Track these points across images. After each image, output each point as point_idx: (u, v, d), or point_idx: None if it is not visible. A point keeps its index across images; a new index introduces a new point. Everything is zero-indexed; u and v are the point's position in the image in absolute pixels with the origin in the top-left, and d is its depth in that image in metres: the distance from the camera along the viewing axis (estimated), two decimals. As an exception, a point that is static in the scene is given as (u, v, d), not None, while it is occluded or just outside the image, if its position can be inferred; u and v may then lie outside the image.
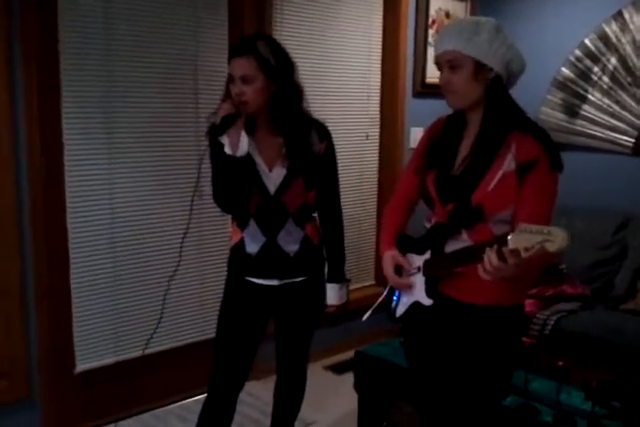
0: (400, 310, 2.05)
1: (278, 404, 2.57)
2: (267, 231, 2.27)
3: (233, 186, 2.19)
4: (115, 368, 2.90)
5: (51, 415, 2.77)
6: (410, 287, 2.00)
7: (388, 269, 2.02)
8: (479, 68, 1.82)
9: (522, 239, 1.50)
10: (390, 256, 2.02)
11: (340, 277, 2.39)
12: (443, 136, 1.97)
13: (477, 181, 1.82)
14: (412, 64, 3.85)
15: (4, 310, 2.60)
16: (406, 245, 2.02)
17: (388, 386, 2.65)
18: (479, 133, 1.88)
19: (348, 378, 3.35)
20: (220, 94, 2.26)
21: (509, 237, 1.53)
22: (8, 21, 2.46)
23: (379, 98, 3.84)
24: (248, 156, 2.18)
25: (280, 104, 2.19)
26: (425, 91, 3.86)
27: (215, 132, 2.13)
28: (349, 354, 3.57)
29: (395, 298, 2.10)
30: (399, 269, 2.02)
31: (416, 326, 2.05)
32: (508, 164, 1.79)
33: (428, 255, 1.92)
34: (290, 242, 2.28)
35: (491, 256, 1.58)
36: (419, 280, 1.96)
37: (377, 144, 3.89)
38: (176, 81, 2.98)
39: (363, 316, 2.20)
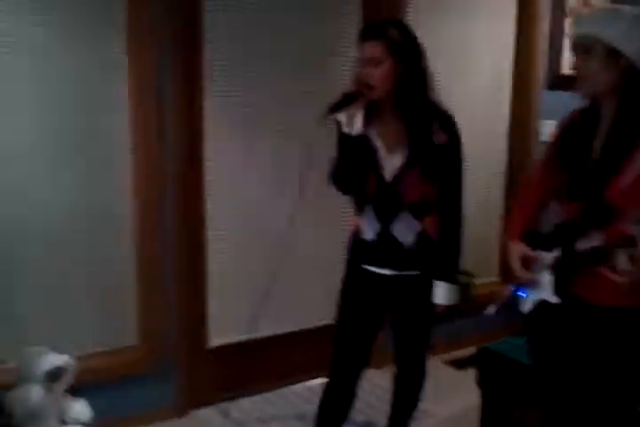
0: (526, 307, 2.02)
1: (397, 394, 2.59)
2: (382, 219, 2.27)
3: (347, 166, 2.22)
4: (246, 346, 3.05)
5: (185, 386, 2.97)
6: (537, 284, 1.96)
7: (516, 263, 1.99)
8: (613, 54, 1.75)
9: None
10: (518, 249, 1.99)
11: (449, 276, 2.32)
12: (576, 131, 1.91)
13: (612, 177, 1.76)
14: (546, 55, 3.72)
15: (146, 286, 2.81)
16: (534, 240, 1.98)
17: (513, 384, 2.62)
18: (612, 127, 1.81)
19: (469, 374, 3.32)
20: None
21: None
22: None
23: (510, 89, 3.73)
24: (365, 138, 2.20)
25: (406, 89, 2.18)
26: (560, 82, 3.71)
27: (332, 108, 2.16)
28: (470, 350, 3.53)
29: (521, 294, 2.07)
30: (526, 264, 1.98)
31: (542, 324, 2.00)
32: None
33: (557, 253, 1.87)
34: (405, 233, 2.27)
35: (620, 259, 1.52)
36: (546, 277, 1.91)
37: (505, 137, 3.80)
38: (307, 71, 3.06)
39: (486, 310, 2.17)
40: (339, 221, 3.20)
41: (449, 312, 2.36)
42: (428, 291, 2.33)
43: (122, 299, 2.79)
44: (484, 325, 3.68)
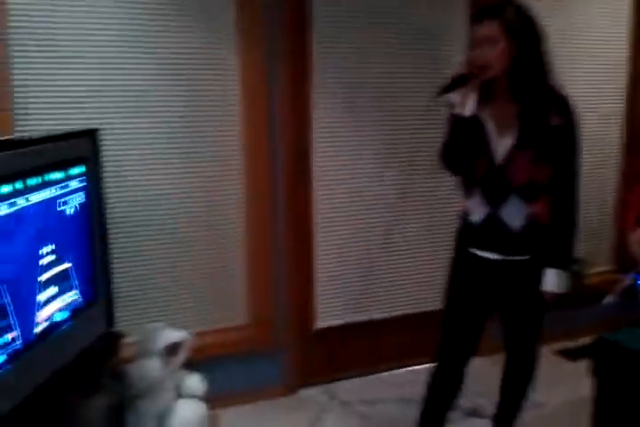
0: None
1: (507, 384, 2.56)
2: (490, 201, 2.24)
3: (457, 148, 2.20)
4: (352, 328, 3.09)
5: (293, 365, 3.05)
6: None
7: (637, 249, 1.89)
8: None
9: None
10: (638, 235, 1.89)
11: (561, 263, 2.25)
12: None
13: None
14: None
15: (256, 268, 2.90)
16: None
17: (631, 375, 2.50)
18: None
19: (580, 365, 3.23)
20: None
21: None
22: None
23: (625, 72, 3.54)
24: (476, 119, 2.16)
25: (520, 71, 2.12)
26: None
27: (444, 89, 2.14)
28: (583, 340, 3.45)
29: None
30: None
31: None
32: None
33: None
34: (514, 217, 2.22)
35: None
36: None
37: (619, 124, 3.61)
38: (416, 52, 3.03)
39: (604, 300, 2.08)
40: (448, 205, 3.16)
41: (559, 300, 2.29)
42: (539, 278, 2.26)
43: (234, 280, 2.90)
44: (597, 314, 3.57)
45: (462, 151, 2.21)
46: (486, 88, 2.17)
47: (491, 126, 2.20)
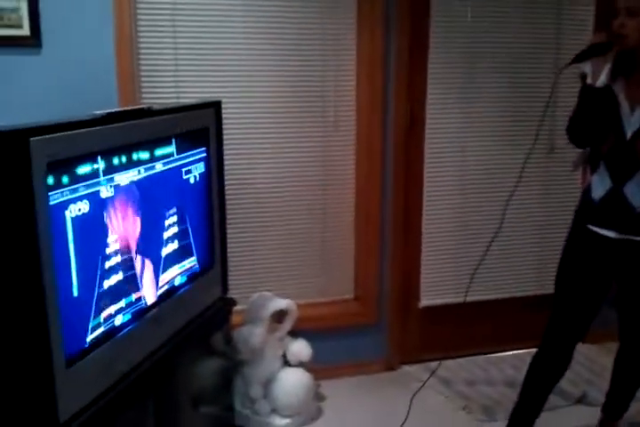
0: None
1: (619, 372, 2.47)
2: (614, 177, 2.14)
3: (587, 119, 2.12)
4: (457, 308, 3.02)
5: (395, 342, 3.06)
6: None
7: None
8: None
9: None
10: None
11: None
12: None
13: None
14: None
15: (364, 244, 2.92)
16: None
17: None
18: None
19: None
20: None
21: None
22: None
23: None
24: (610, 91, 2.07)
25: None
26: None
27: (578, 57, 2.06)
28: None
29: None
30: None
31: None
32: None
33: None
34: (637, 195, 2.11)
35: None
36: None
37: None
38: (535, 26, 2.93)
39: None
40: (566, 183, 3.06)
41: None
42: None
43: (343, 255, 2.94)
44: None
45: (591, 124, 2.13)
46: (624, 59, 2.07)
47: (623, 100, 2.11)
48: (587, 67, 2.08)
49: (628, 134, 2.10)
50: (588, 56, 2.05)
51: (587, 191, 2.26)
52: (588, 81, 2.08)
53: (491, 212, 2.99)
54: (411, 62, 2.80)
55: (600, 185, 2.20)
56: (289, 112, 2.72)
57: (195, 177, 2.15)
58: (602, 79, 2.05)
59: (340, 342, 2.95)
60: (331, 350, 2.89)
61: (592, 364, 3.07)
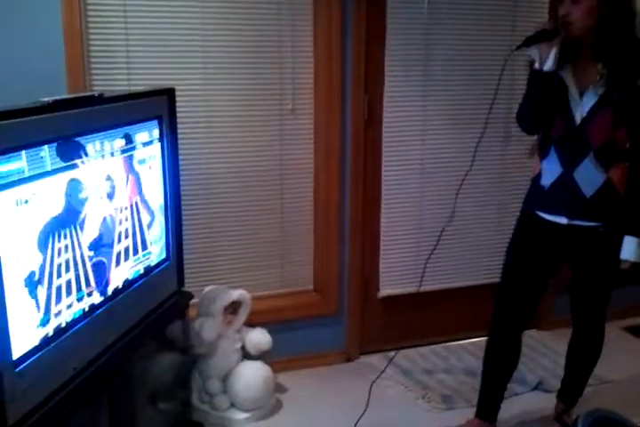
0: None
1: (572, 358, 2.51)
2: (565, 162, 2.16)
3: (535, 104, 2.14)
4: (415, 298, 3.02)
5: (354, 332, 3.04)
6: None
7: None
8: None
9: None
10: None
11: (635, 230, 2.15)
12: None
13: None
14: None
15: (323, 235, 2.90)
16: None
17: None
18: None
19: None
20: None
21: None
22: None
23: None
24: (557, 76, 2.09)
25: (608, 29, 2.04)
26: None
27: (526, 41, 2.08)
28: None
29: None
30: None
31: None
32: None
33: None
34: (587, 181, 2.14)
35: None
36: None
37: None
38: (492, 13, 2.94)
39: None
40: (520, 173, 3.07)
41: (634, 271, 2.20)
42: (611, 247, 2.19)
43: (302, 247, 2.91)
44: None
45: (540, 108, 2.15)
46: (570, 46, 2.10)
47: (571, 85, 2.13)
48: (534, 52, 2.09)
49: (578, 120, 2.13)
50: (535, 41, 2.07)
51: (536, 178, 2.28)
52: (536, 66, 2.10)
53: (448, 201, 2.96)
54: (368, 52, 2.77)
55: (550, 171, 2.21)
56: (245, 101, 2.66)
57: (148, 167, 2.08)
58: (549, 64, 2.07)
59: (300, 334, 2.92)
60: (290, 342, 2.87)
61: (548, 350, 3.12)
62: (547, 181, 2.23)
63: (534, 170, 2.30)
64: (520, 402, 2.71)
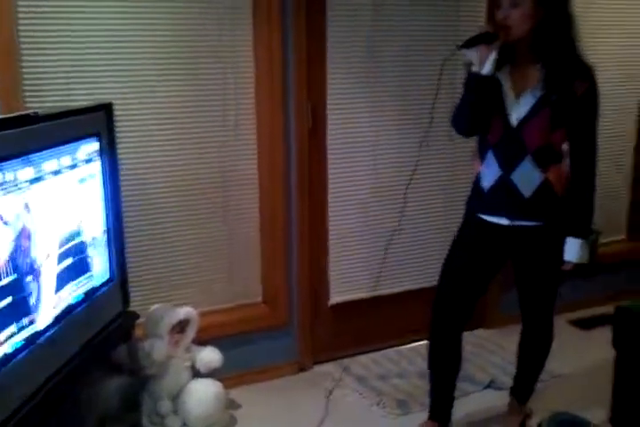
0: None
1: (523, 354, 2.54)
2: (503, 165, 2.20)
3: (472, 107, 2.16)
4: (366, 303, 3.05)
5: (306, 342, 3.00)
6: None
7: None
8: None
9: None
10: None
11: (583, 231, 2.21)
12: None
13: None
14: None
15: (270, 245, 2.85)
16: None
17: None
18: None
19: (595, 334, 3.26)
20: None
21: None
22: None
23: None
24: (494, 79, 2.12)
25: (545, 33, 2.08)
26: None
27: (465, 44, 2.09)
28: (596, 310, 3.49)
29: None
30: None
31: None
32: None
33: None
34: (526, 182, 2.18)
35: None
36: None
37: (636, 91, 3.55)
38: (435, 10, 2.95)
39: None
40: (466, 175, 3.10)
41: (576, 271, 2.26)
42: (552, 245, 2.24)
43: (248, 258, 2.85)
44: (608, 284, 3.57)
45: (476, 111, 2.17)
46: (508, 49, 2.13)
47: (508, 88, 2.16)
48: (473, 54, 2.11)
49: (514, 122, 2.16)
50: (474, 43, 2.08)
51: (477, 181, 2.31)
52: (474, 69, 2.11)
53: (395, 206, 2.98)
54: (309, 60, 2.74)
55: (489, 174, 2.24)
56: (186, 113, 2.59)
57: (87, 186, 1.99)
58: (487, 68, 2.09)
59: (251, 348, 2.86)
60: (241, 357, 2.81)
61: (497, 348, 3.16)
62: (486, 183, 2.26)
63: (475, 172, 2.33)
64: (473, 401, 2.74)
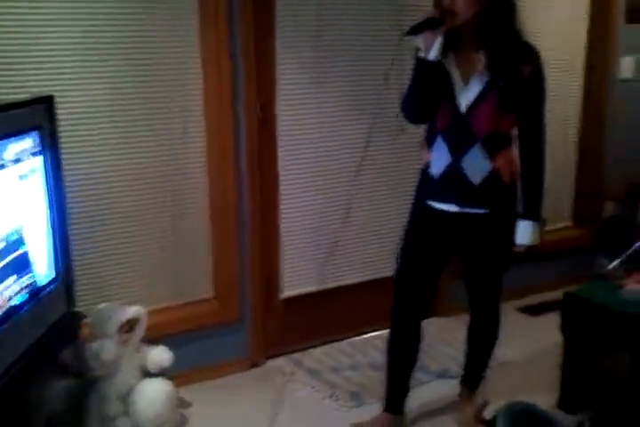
0: None
1: (471, 343, 2.57)
2: (452, 151, 2.21)
3: (420, 93, 2.15)
4: (318, 296, 3.02)
5: (258, 337, 2.96)
6: None
7: None
8: None
9: None
10: None
11: (534, 214, 2.25)
12: None
13: None
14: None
15: (220, 240, 2.79)
16: None
17: (600, 331, 2.56)
18: None
19: (543, 320, 3.33)
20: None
21: None
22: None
23: (587, 24, 3.54)
24: (441, 64, 2.12)
25: (489, 18, 2.09)
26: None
27: (411, 30, 2.08)
28: (544, 297, 3.55)
29: None
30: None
31: None
32: None
33: None
34: (475, 169, 2.20)
35: None
36: None
37: (579, 76, 3.62)
38: (382, 5, 2.93)
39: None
40: (417, 165, 3.11)
41: (528, 254, 2.29)
42: (499, 233, 2.28)
43: (198, 253, 2.79)
44: (555, 271, 3.65)
45: (424, 98, 2.17)
46: (454, 35, 2.13)
47: (456, 74, 2.17)
48: (419, 41, 2.10)
49: (463, 108, 2.17)
50: (421, 29, 2.07)
51: (426, 168, 2.31)
52: (420, 54, 2.11)
53: (345, 197, 2.97)
54: (258, 58, 2.69)
55: (439, 160, 2.24)
56: (133, 108, 2.50)
57: (29, 182, 1.90)
58: (434, 53, 2.08)
59: (201, 345, 2.81)
60: (192, 354, 2.75)
61: (449, 337, 3.18)
62: (436, 170, 2.26)
63: (423, 160, 2.33)
64: (425, 391, 2.75)
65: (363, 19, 2.92)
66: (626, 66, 3.55)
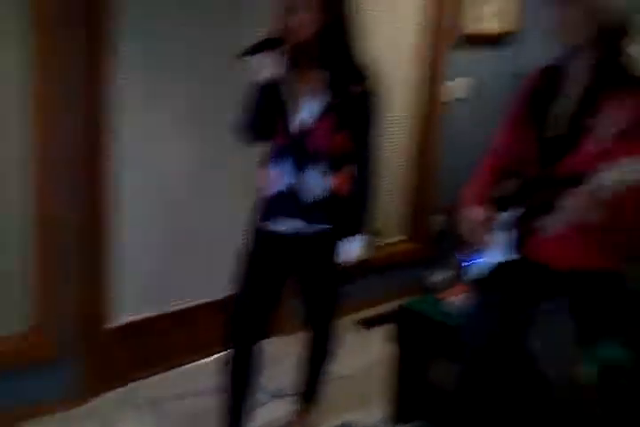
0: (481, 271, 2.03)
1: (308, 359, 2.57)
2: (290, 171, 2.20)
3: (253, 114, 2.14)
4: (154, 322, 2.90)
5: (87, 372, 2.74)
6: (494, 245, 1.97)
7: (474, 227, 2.00)
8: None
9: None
10: (476, 212, 2.01)
11: (355, 229, 2.29)
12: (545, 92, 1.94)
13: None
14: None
15: (44, 269, 2.55)
16: (500, 203, 2.00)
17: (427, 342, 2.65)
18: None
19: (378, 333, 3.38)
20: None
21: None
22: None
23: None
24: (275, 86, 2.11)
25: (328, 37, 2.12)
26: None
27: (246, 52, 2.06)
28: (378, 310, 3.63)
29: (474, 260, 2.05)
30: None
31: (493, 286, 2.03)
32: None
33: (516, 212, 1.90)
34: (311, 188, 2.20)
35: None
36: (504, 237, 1.94)
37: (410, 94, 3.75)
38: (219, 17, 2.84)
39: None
40: (249, 187, 3.04)
41: (358, 268, 2.33)
42: (332, 250, 2.29)
43: (11, 283, 2.52)
44: (390, 284, 3.74)
45: (259, 118, 2.15)
46: (293, 54, 2.12)
47: (293, 94, 2.16)
48: (254, 62, 2.07)
49: (296, 128, 2.17)
50: (258, 50, 2.05)
51: (263, 188, 2.28)
52: (254, 76, 2.08)
53: (180, 220, 2.88)
54: (92, 75, 2.51)
55: (275, 181, 2.23)
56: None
57: None
58: (265, 74, 2.07)
59: (23, 383, 2.53)
60: (12, 393, 2.50)
61: (286, 355, 3.15)
62: (273, 190, 2.24)
63: (261, 179, 2.30)
64: (263, 411, 2.69)
65: (198, 38, 2.81)
66: (460, 86, 3.77)
